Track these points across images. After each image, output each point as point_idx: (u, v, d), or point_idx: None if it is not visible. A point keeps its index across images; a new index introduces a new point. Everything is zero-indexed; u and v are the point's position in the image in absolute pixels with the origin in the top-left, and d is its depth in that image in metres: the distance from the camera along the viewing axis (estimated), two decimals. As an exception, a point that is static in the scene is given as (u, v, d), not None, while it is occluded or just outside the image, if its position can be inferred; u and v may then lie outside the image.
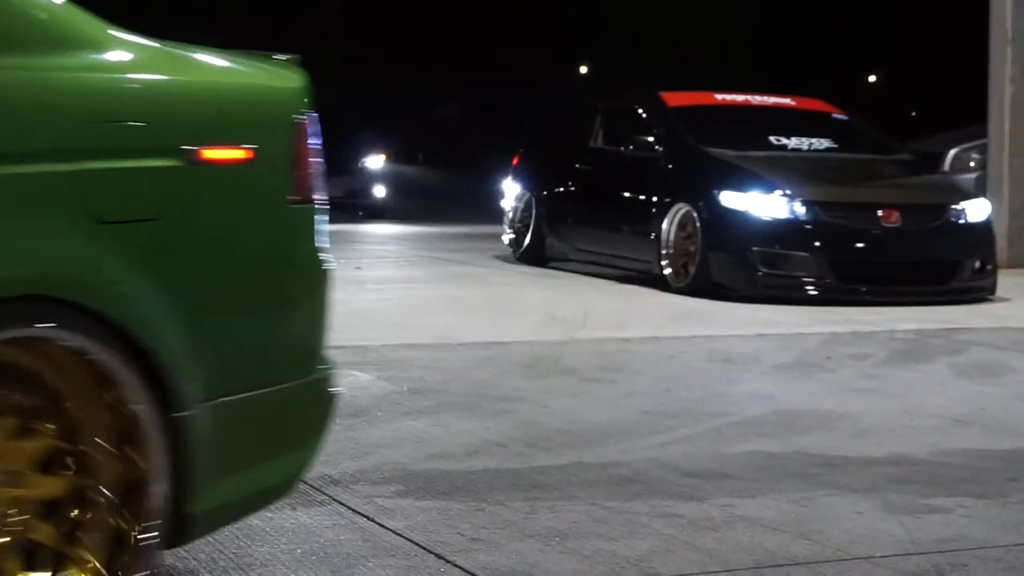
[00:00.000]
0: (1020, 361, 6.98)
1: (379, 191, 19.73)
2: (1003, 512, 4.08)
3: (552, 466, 4.58)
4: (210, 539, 3.64)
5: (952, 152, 16.32)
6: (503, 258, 12.48)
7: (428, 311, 8.65)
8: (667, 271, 9.98)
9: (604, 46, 40.15)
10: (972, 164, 16.11)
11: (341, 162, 18.99)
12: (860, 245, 9.45)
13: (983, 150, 15.45)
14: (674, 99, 11.15)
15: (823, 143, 10.87)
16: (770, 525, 3.88)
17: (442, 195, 26.94)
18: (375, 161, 19.89)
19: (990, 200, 12.35)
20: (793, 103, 11.63)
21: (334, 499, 4.12)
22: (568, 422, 5.29)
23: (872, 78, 50.36)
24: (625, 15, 35.29)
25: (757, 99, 11.47)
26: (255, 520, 3.84)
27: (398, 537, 3.71)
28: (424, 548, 3.60)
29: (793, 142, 10.76)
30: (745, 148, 10.38)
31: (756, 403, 5.73)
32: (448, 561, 3.51)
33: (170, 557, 3.50)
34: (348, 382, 6.06)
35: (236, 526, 3.77)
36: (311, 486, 4.27)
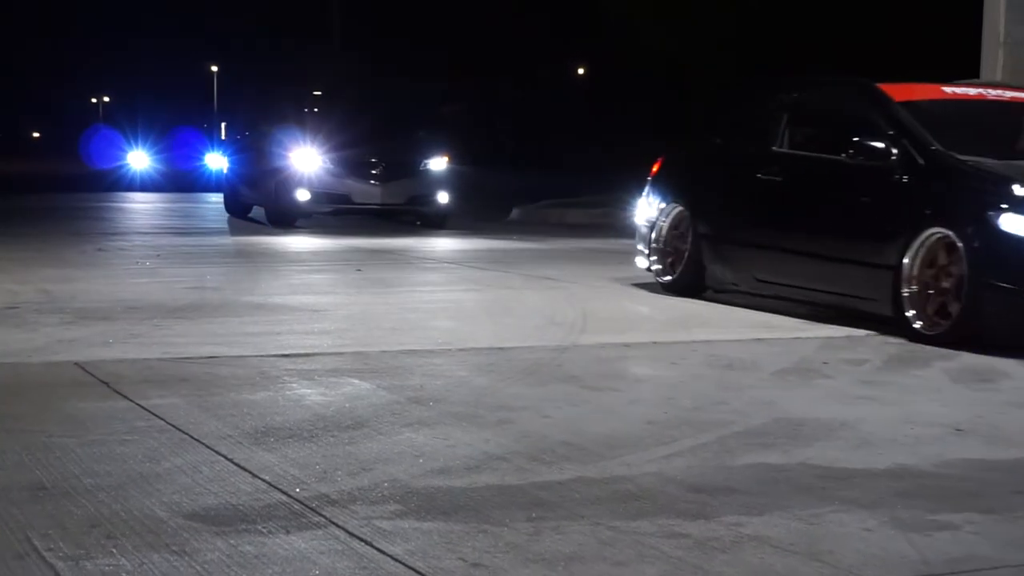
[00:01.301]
0: (1012, 366, 6.93)
1: (443, 196, 17.66)
2: (1012, 528, 4.02)
3: (555, 482, 4.51)
4: (198, 567, 3.57)
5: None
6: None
7: (428, 315, 8.58)
8: (916, 321, 7.75)
9: (600, 43, 40.09)
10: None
11: (400, 165, 17.39)
12: None
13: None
14: (899, 92, 8.77)
15: None
16: (780, 545, 3.81)
17: (503, 197, 24.99)
18: (438, 163, 17.80)
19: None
20: None
21: (330, 521, 4.04)
22: (570, 433, 5.23)
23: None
24: (619, 8, 35.26)
25: (992, 92, 9.15)
26: (246, 546, 3.76)
27: (397, 564, 3.63)
28: None
29: None
30: (1005, 156, 8.16)
31: (758, 411, 5.67)
32: (451, 587, 3.44)
33: (167, 583, 3.43)
34: (347, 391, 6.00)
35: (225, 552, 3.70)
36: (307, 506, 4.19)
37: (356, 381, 6.24)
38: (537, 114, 43.13)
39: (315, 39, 43.15)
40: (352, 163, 17.23)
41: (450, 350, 7.15)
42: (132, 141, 35.39)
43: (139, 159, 33.76)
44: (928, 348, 7.49)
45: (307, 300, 9.24)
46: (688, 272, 9.80)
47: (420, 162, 17.60)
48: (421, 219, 17.76)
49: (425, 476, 4.57)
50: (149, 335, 7.52)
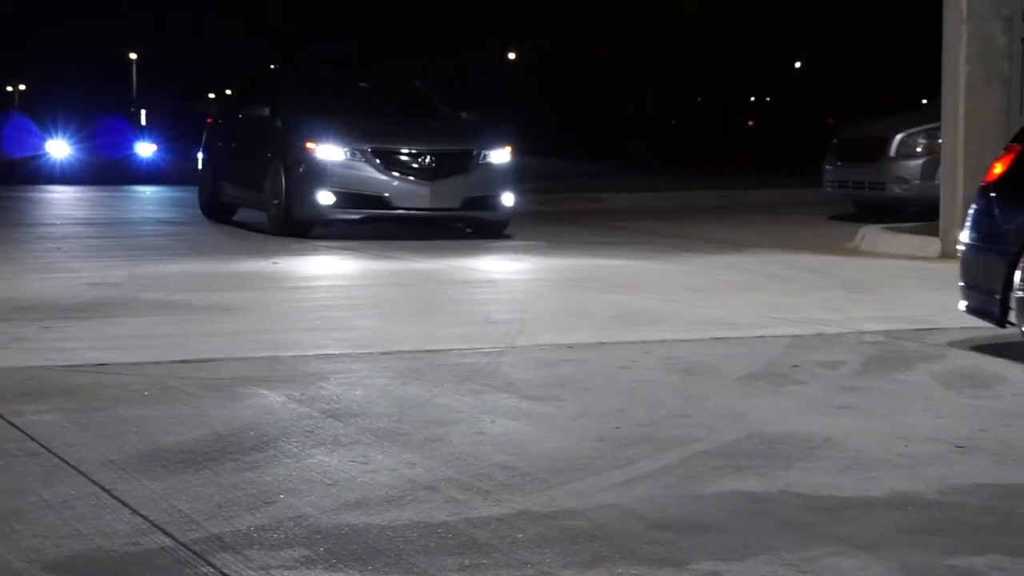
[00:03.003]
0: (1007, 368, 6.20)
1: (507, 198, 13.43)
2: (1045, 574, 3.33)
3: (493, 517, 3.77)
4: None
5: (898, 137, 15.74)
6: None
7: (350, 314, 7.80)
8: None
9: (534, 27, 39.44)
10: (919, 149, 15.53)
11: (452, 158, 13.28)
12: None
13: (931, 135, 14.85)
14: None
15: None
16: (770, 603, 3.09)
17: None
18: (499, 155, 13.55)
19: (942, 188, 11.73)
20: None
21: (221, 572, 3.30)
22: (509, 454, 4.49)
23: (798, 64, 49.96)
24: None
25: None
26: (114, 611, 3.01)
27: (297, 638, 2.88)
28: (330, 654, 2.78)
29: None
30: None
31: (725, 425, 4.94)
32: (362, 671, 2.69)
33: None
34: (253, 404, 5.24)
35: (89, 619, 2.96)
36: (193, 552, 3.45)
37: (264, 391, 5.47)
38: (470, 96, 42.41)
39: (238, 27, 42.13)
40: (390, 155, 13.06)
41: (372, 353, 6.38)
42: (52, 130, 34.15)
43: (59, 148, 32.56)
44: (910, 347, 6.77)
45: (216, 298, 8.42)
46: None
47: (478, 153, 13.41)
48: (474, 226, 13.62)
49: (338, 511, 3.82)
50: (35, 339, 6.70)
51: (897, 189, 15.53)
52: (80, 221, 16.13)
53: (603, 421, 5.00)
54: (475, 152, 13.43)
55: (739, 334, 7.06)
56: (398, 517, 3.77)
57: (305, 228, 13.12)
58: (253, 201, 14.26)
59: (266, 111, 14.26)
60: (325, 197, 12.90)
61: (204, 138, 16.24)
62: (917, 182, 15.27)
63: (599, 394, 5.52)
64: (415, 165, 13.09)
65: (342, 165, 12.99)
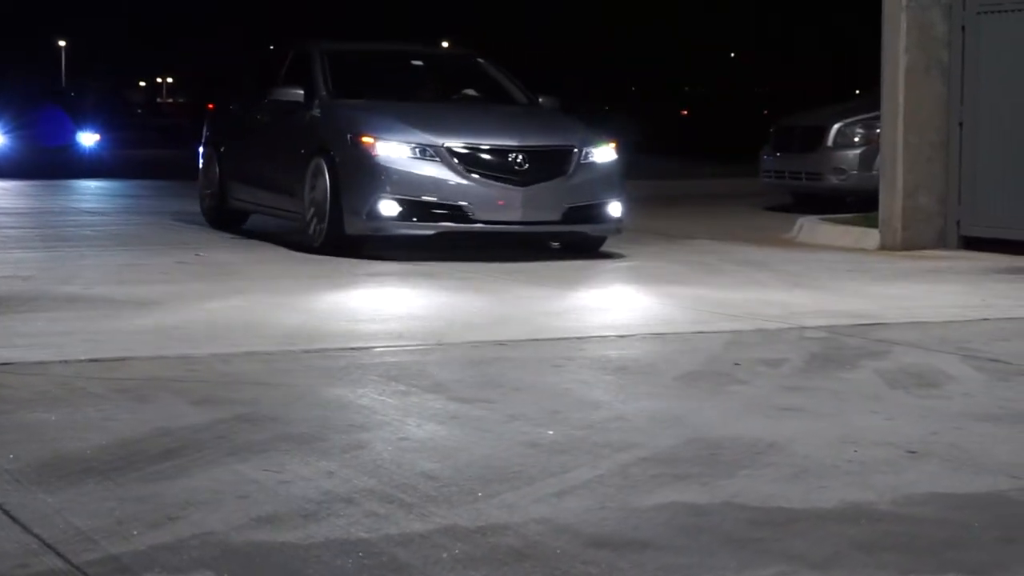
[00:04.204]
0: (954, 366, 5.99)
1: (615, 208, 10.57)
2: (1010, 594, 3.09)
3: (416, 534, 3.48)
4: None
5: (835, 127, 15.60)
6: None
7: (273, 310, 7.48)
8: None
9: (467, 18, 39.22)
10: (857, 139, 15.40)
11: (548, 156, 10.37)
12: None
13: (869, 124, 14.71)
14: None
15: None
16: (716, 633, 2.83)
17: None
18: (604, 153, 10.63)
19: (881, 179, 11.57)
20: None
21: (114, 601, 2.99)
22: (435, 462, 4.21)
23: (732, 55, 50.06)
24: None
25: None
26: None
27: None
28: None
29: None
30: None
31: (665, 429, 4.68)
32: None
33: None
34: (163, 407, 4.92)
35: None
36: (84, 575, 3.14)
37: (176, 393, 5.14)
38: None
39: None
40: (470, 153, 10.20)
41: (293, 351, 6.07)
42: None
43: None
44: (853, 344, 6.54)
45: (134, 292, 8.06)
46: None
47: (580, 151, 10.48)
48: (566, 240, 10.84)
49: (248, 527, 3.53)
50: (-64, 337, 6.33)
51: (835, 180, 15.38)
52: (1, 211, 15.62)
53: (536, 425, 4.73)
54: (576, 149, 10.49)
55: (676, 330, 6.81)
56: (313, 534, 3.48)
57: (358, 244, 10.33)
58: (279, 208, 11.45)
59: (299, 94, 11.14)
60: (388, 207, 10.07)
61: (206, 129, 13.24)
62: (855, 172, 15.14)
63: (531, 395, 5.24)
64: (503, 166, 10.21)
65: (408, 165, 10.15)
